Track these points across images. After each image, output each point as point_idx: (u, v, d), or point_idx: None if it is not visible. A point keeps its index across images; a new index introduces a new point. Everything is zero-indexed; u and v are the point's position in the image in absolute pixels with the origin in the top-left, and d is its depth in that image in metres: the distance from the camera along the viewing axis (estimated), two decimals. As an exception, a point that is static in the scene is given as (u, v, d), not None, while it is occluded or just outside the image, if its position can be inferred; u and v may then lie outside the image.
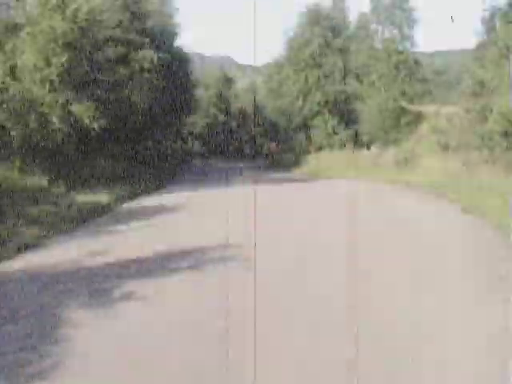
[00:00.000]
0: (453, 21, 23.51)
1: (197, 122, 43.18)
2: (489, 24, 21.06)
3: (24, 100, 14.14)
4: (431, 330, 5.16)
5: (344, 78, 30.66)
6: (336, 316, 5.51)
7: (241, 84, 51.31)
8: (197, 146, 47.26)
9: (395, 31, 28.92)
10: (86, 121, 14.97)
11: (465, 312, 5.66)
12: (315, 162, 28.94)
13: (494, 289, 6.46)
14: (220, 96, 46.60)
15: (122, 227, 10.94)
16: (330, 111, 30.79)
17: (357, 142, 29.46)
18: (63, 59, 14.73)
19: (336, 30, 32.05)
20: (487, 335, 5.03)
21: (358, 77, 30.43)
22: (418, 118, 27.81)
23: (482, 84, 20.13)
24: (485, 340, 4.94)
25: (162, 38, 22.94)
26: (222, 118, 46.28)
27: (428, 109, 27.78)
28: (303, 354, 4.62)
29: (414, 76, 28.51)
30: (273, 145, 38.76)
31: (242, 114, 46.21)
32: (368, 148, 28.12)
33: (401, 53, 28.61)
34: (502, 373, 4.23)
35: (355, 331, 5.05)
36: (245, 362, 4.40)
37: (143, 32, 20.99)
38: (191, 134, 43.66)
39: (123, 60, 19.15)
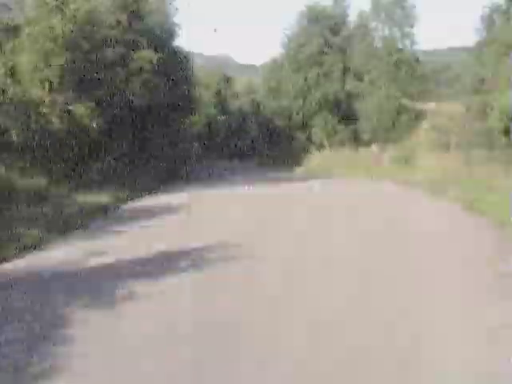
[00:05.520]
0: None
1: (196, 121, 43.02)
2: (489, 21, 21.01)
3: (24, 101, 14.11)
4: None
5: (344, 76, 30.53)
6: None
7: (240, 83, 51.16)
8: (196, 145, 47.10)
9: (395, 29, 28.81)
10: (86, 121, 14.94)
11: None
12: (315, 161, 28.88)
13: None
14: (219, 95, 46.49)
15: (122, 228, 10.94)
16: (329, 110, 30.65)
17: (357, 140, 29.38)
18: (62, 60, 14.71)
19: (335, 29, 31.92)
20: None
21: (357, 75, 30.29)
22: (418, 116, 27.76)
23: (482, 81, 20.09)
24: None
25: (162, 38, 22.85)
26: (221, 117, 46.16)
27: (428, 107, 27.73)
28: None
29: (414, 74, 28.40)
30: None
31: (242, 113, 46.11)
32: (368, 146, 28.06)
33: (401, 51, 28.53)
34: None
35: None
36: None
37: (142, 32, 20.92)
38: (191, 133, 43.49)
39: (122, 60, 19.09)
